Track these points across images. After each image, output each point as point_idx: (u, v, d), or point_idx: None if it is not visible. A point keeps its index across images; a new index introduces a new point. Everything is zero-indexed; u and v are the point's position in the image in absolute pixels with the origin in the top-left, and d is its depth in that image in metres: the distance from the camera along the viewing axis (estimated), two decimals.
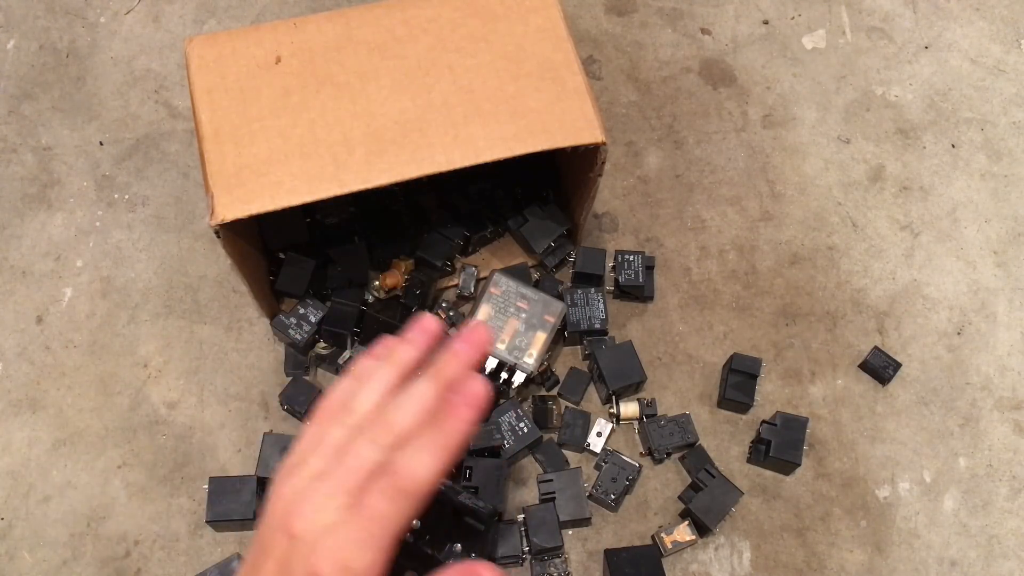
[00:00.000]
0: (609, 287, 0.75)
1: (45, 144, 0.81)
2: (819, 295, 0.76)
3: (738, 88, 0.86)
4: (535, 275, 0.75)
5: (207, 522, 0.65)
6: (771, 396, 0.72)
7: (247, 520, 0.64)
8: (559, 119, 0.59)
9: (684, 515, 0.67)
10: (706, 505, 0.65)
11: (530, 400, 0.71)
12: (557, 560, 0.64)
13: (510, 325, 0.67)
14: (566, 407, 0.71)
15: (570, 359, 0.73)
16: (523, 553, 0.65)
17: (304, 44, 0.61)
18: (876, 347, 0.73)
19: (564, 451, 0.69)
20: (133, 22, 0.87)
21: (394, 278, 0.72)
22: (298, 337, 0.69)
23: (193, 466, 0.68)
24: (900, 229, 0.80)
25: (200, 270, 0.76)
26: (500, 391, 0.69)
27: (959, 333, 0.75)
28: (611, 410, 0.70)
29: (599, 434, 0.69)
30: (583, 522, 0.66)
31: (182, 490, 0.68)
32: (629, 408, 0.70)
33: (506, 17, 0.62)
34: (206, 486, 0.66)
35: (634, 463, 0.67)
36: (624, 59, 0.87)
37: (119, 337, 0.73)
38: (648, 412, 0.70)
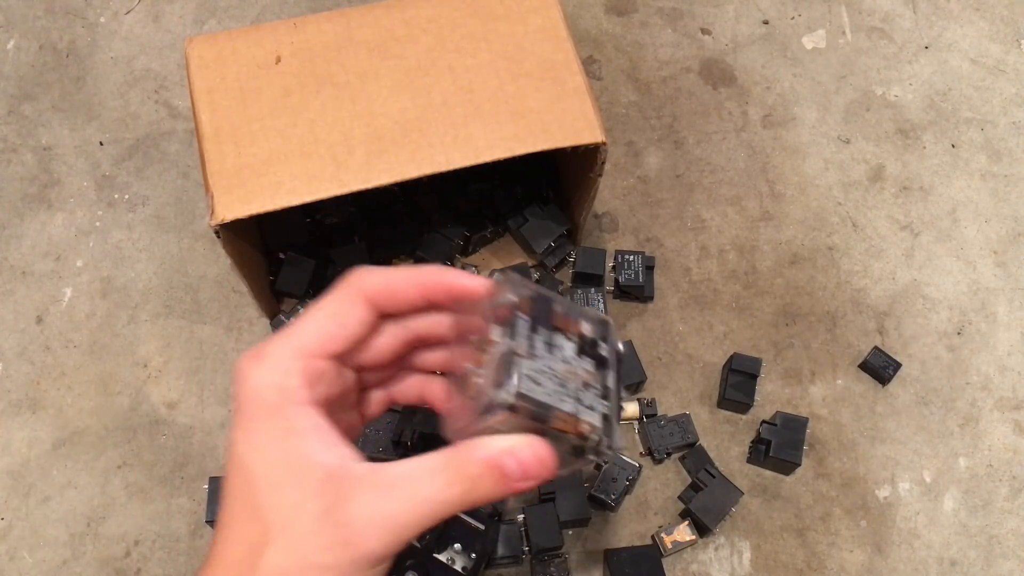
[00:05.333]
0: (609, 287, 0.75)
1: (45, 144, 0.81)
2: (819, 295, 0.76)
3: (738, 88, 0.86)
4: (535, 275, 0.75)
5: (207, 522, 0.65)
6: (771, 396, 0.72)
7: None
8: (559, 119, 0.59)
9: (684, 515, 0.67)
10: (706, 505, 0.65)
11: None
12: (557, 560, 0.64)
13: None
14: None
15: None
16: (523, 553, 0.65)
17: (304, 44, 0.61)
18: (876, 347, 0.73)
19: None
20: (133, 22, 0.87)
21: None
22: None
23: (193, 466, 0.68)
24: (900, 229, 0.80)
25: (200, 270, 0.76)
26: None
27: (959, 333, 0.75)
28: None
29: None
30: (583, 522, 0.66)
31: (182, 490, 0.68)
32: (629, 408, 0.70)
33: (506, 17, 0.62)
34: (206, 486, 0.66)
35: (634, 463, 0.67)
36: (624, 59, 0.87)
37: (119, 337, 0.73)
38: (648, 412, 0.70)
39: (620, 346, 0.36)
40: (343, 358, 0.34)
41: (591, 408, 0.33)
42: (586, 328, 0.35)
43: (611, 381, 0.34)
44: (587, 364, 0.34)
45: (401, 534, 0.29)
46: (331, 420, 0.32)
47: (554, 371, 0.33)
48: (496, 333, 0.33)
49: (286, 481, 0.29)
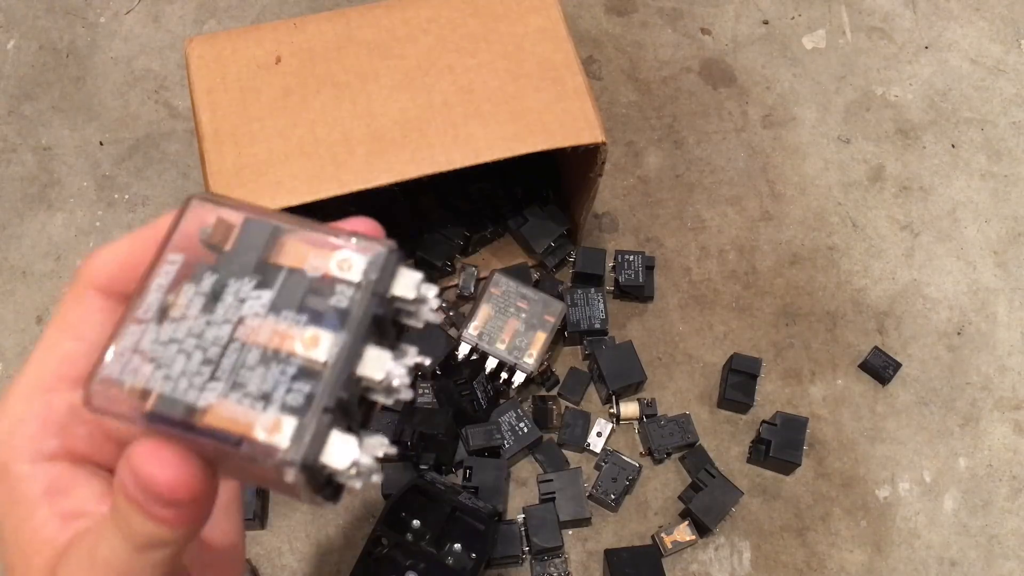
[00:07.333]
0: (609, 287, 0.75)
1: (45, 144, 0.81)
2: (819, 295, 0.76)
3: (738, 88, 0.86)
4: (535, 275, 0.75)
5: None
6: (771, 396, 0.72)
7: (247, 520, 0.64)
8: (559, 119, 0.59)
9: (684, 515, 0.67)
10: (706, 505, 0.65)
11: (530, 400, 0.71)
12: (557, 560, 0.64)
13: (510, 325, 0.68)
14: (566, 407, 0.71)
15: (570, 359, 0.73)
16: (523, 553, 0.65)
17: (304, 44, 0.61)
18: (876, 347, 0.73)
19: (564, 451, 0.69)
20: (133, 22, 0.87)
21: None
22: None
23: None
24: (900, 229, 0.80)
25: None
26: (500, 391, 0.70)
27: (959, 333, 0.75)
28: (611, 410, 0.70)
29: (599, 434, 0.69)
30: (583, 522, 0.66)
31: None
32: (629, 408, 0.70)
33: (506, 17, 0.62)
34: None
35: (634, 463, 0.67)
36: (624, 59, 0.87)
37: None
38: (648, 412, 0.70)
39: (409, 290, 0.22)
40: None
41: (264, 396, 0.21)
42: (341, 266, 0.22)
43: (335, 347, 0.21)
44: (292, 320, 0.21)
45: None
46: (105, 465, 0.24)
47: (200, 341, 0.21)
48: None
49: (18, 567, 0.23)
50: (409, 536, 0.60)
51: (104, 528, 0.22)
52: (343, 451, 0.21)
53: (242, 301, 0.22)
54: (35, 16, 0.88)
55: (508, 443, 0.67)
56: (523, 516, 0.65)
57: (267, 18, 0.88)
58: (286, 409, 0.21)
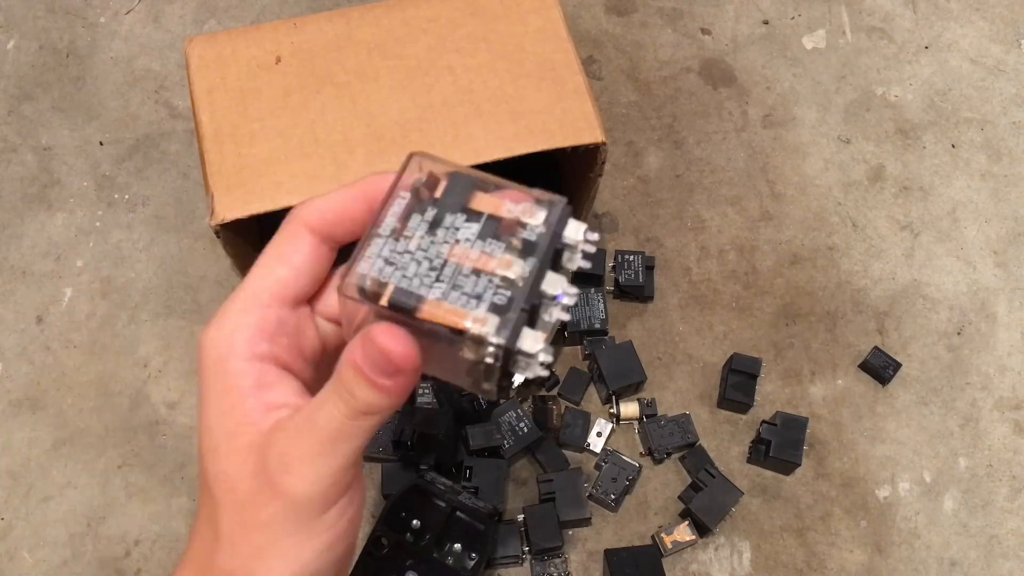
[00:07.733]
0: (609, 287, 0.75)
1: (45, 144, 0.81)
2: (819, 295, 0.76)
3: (738, 88, 0.86)
4: None
5: None
6: (771, 396, 0.72)
7: None
8: (559, 119, 0.59)
9: (684, 515, 0.67)
10: (706, 505, 0.65)
11: (530, 400, 0.71)
12: (557, 560, 0.64)
13: None
14: (566, 407, 0.71)
15: (570, 359, 0.73)
16: (523, 553, 0.65)
17: (304, 44, 0.61)
18: (876, 347, 0.73)
19: (564, 451, 0.69)
20: (133, 22, 0.87)
21: None
22: None
23: (193, 466, 0.68)
24: (900, 229, 0.80)
25: (200, 270, 0.76)
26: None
27: (959, 333, 0.75)
28: (611, 410, 0.70)
29: (599, 434, 0.69)
30: (583, 522, 0.66)
31: (182, 490, 0.68)
32: (629, 408, 0.70)
33: (506, 17, 0.62)
34: None
35: (634, 463, 0.67)
36: (624, 59, 0.87)
37: (119, 337, 0.73)
38: (648, 412, 0.70)
39: (577, 234, 0.29)
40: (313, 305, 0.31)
41: (476, 297, 0.27)
42: (526, 213, 0.29)
43: (528, 268, 0.28)
44: (494, 247, 0.28)
45: (320, 469, 0.27)
46: (296, 375, 0.30)
47: (427, 254, 0.28)
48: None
49: (223, 447, 0.28)
50: (409, 536, 0.60)
51: (323, 401, 0.27)
52: (533, 341, 0.27)
53: (456, 229, 0.28)
54: (35, 16, 0.88)
55: (508, 443, 0.67)
56: (523, 516, 0.65)
57: (267, 18, 0.88)
58: (492, 308, 0.27)
